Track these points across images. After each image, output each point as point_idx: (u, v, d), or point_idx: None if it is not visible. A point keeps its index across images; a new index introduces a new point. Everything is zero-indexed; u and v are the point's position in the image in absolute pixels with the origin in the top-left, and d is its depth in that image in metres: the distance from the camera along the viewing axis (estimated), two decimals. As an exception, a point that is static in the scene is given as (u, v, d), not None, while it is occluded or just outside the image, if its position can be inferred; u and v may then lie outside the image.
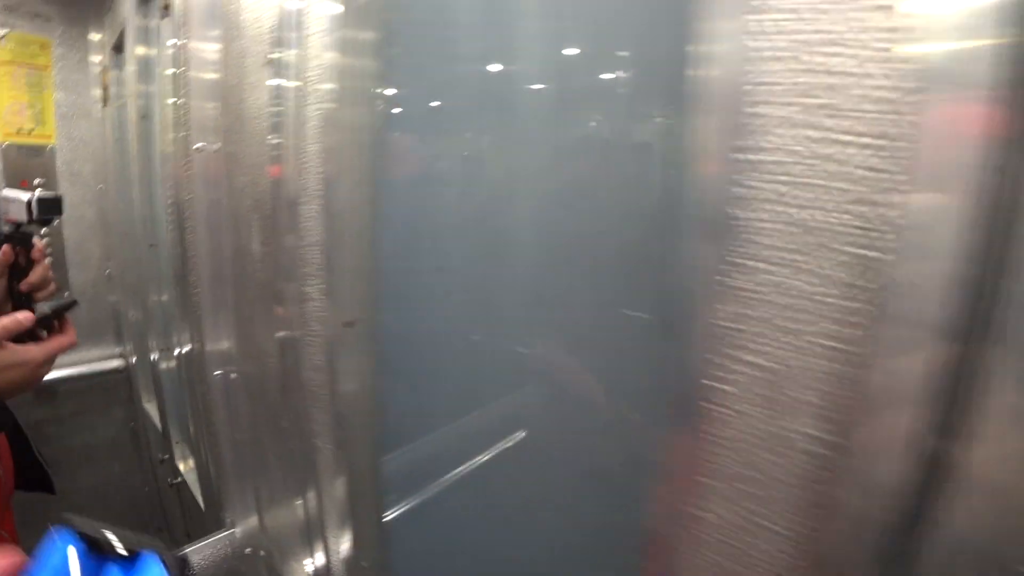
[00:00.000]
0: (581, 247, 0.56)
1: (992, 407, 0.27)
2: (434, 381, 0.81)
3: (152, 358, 1.53)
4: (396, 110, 0.71)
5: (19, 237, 1.05)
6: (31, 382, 0.90)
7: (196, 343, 1.12)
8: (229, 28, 0.94)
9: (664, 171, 0.45)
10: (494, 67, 0.65)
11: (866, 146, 0.28)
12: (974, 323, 0.27)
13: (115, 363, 1.86)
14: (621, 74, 0.52)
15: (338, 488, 0.77)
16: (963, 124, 0.26)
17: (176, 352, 1.32)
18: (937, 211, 0.27)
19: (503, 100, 0.65)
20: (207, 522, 1.28)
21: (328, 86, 0.67)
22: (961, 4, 0.26)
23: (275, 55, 0.77)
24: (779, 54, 0.30)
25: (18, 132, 1.75)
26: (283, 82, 0.77)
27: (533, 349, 0.66)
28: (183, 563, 0.31)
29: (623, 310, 0.47)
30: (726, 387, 0.35)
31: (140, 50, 1.51)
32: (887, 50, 0.27)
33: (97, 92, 1.88)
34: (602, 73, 0.54)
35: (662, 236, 0.46)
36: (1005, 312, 0.26)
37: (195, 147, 0.98)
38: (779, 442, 0.33)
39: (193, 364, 1.17)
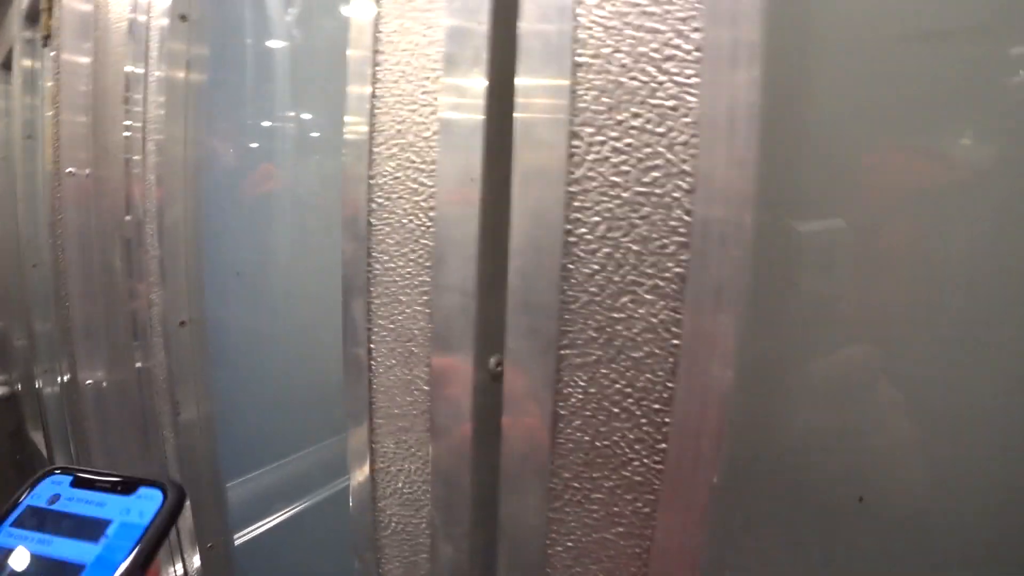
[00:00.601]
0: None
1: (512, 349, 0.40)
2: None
3: (37, 384, 1.54)
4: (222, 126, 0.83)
5: None
6: None
7: (71, 361, 1.17)
8: (98, 44, 1.02)
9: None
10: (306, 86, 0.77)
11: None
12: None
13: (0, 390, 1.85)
14: None
15: (182, 478, 0.84)
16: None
17: (58, 377, 1.35)
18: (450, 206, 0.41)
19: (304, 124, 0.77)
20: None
21: (162, 99, 0.78)
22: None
23: (128, 70, 0.87)
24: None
25: None
26: (135, 106, 0.87)
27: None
28: (181, 492, 0.33)
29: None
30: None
31: (27, 63, 1.55)
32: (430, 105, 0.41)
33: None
34: None
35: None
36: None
37: (67, 171, 1.06)
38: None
39: (72, 384, 1.21)
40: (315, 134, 0.85)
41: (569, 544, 0.43)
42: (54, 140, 1.11)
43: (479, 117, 0.40)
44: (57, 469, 0.35)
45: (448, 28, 0.41)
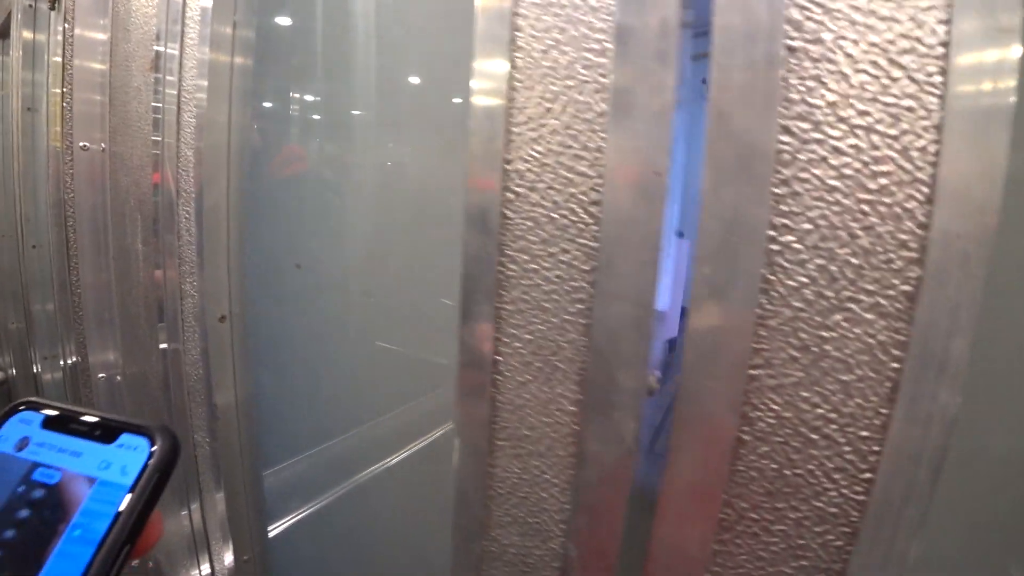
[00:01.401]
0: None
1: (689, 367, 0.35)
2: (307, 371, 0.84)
3: (35, 370, 1.44)
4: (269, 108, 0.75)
5: None
6: None
7: (80, 348, 1.08)
8: (116, 22, 0.94)
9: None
10: (366, 74, 0.70)
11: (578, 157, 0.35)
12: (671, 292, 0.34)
13: (-7, 375, 1.74)
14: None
15: (217, 484, 0.78)
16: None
17: (62, 362, 1.27)
18: (624, 201, 0.34)
19: (374, 105, 0.69)
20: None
21: (204, 83, 0.69)
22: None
23: (158, 50, 0.79)
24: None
25: None
26: (165, 86, 0.78)
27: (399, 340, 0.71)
28: (174, 444, 0.26)
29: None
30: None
31: (27, 34, 1.44)
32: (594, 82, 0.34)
33: (-22, 82, 1.77)
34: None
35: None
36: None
37: (80, 145, 0.97)
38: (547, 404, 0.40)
39: (78, 372, 1.13)
40: (370, 116, 0.78)
41: (735, 578, 0.38)
42: (63, 114, 1.01)
43: (666, 97, 0.34)
44: (24, 404, 0.28)
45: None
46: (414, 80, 0.67)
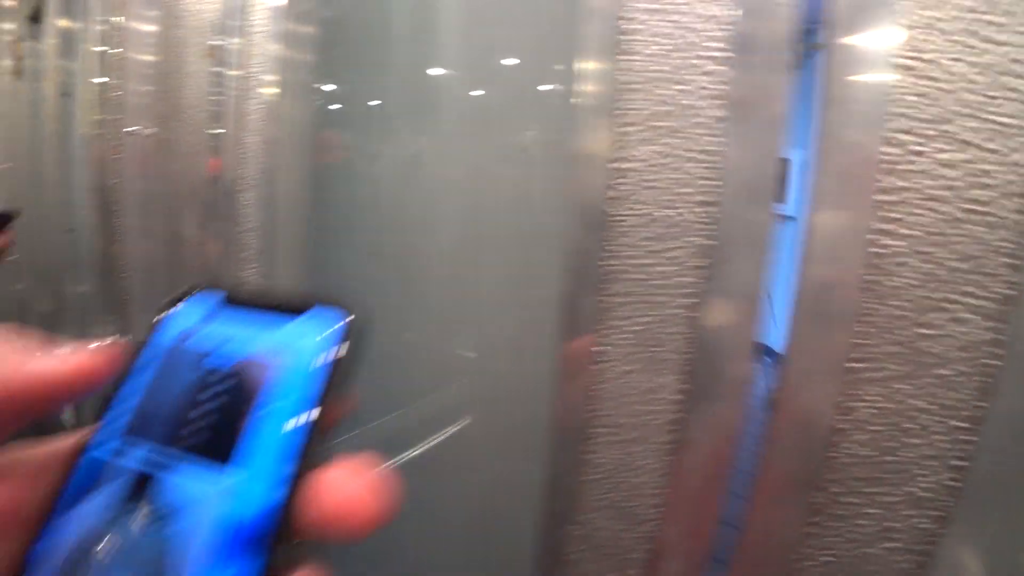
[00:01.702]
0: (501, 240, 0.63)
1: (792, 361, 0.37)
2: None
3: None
4: (334, 105, 0.76)
5: None
6: None
7: (125, 329, 1.10)
8: (168, 15, 0.95)
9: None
10: (429, 69, 0.71)
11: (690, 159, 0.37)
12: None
13: (22, 357, 1.75)
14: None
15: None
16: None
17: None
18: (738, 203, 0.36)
19: (435, 101, 0.70)
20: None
21: (270, 78, 0.71)
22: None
23: (217, 43, 0.79)
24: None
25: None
26: (224, 71, 0.79)
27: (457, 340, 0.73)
28: (365, 321, 0.25)
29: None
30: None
31: (63, 23, 1.45)
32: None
33: (7, 63, 1.77)
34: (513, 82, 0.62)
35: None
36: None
37: (127, 130, 0.97)
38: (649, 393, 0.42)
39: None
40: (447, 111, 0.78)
41: (826, 559, 0.41)
42: (105, 100, 1.02)
43: (783, 105, 0.35)
44: (200, 285, 0.27)
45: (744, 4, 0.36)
46: (503, 72, 0.67)
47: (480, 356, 0.77)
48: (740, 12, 0.36)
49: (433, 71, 0.70)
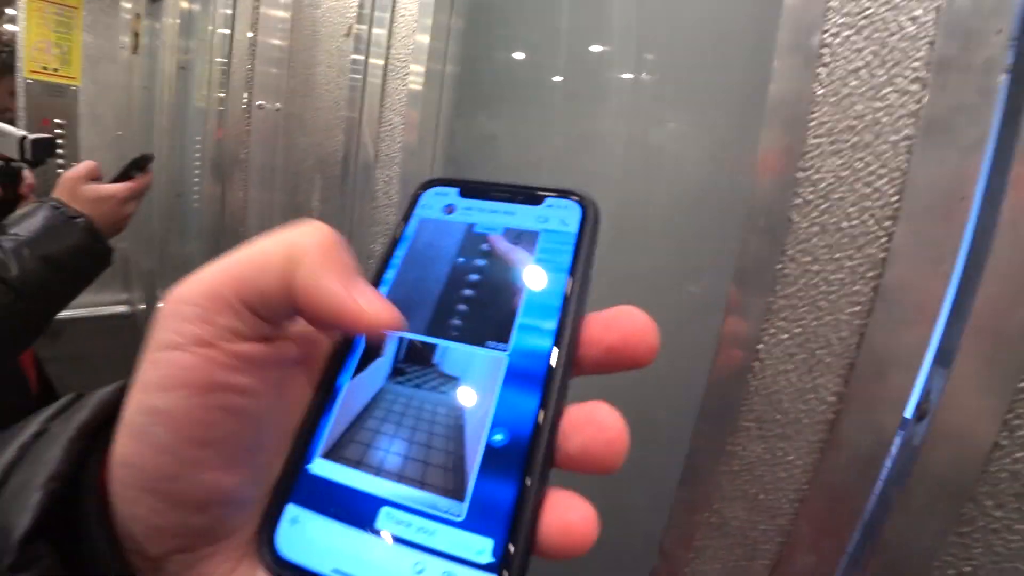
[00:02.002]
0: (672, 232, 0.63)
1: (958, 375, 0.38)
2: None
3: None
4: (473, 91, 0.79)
5: (7, 172, 1.07)
6: (120, 218, 0.95)
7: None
8: None
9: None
10: (592, 47, 0.71)
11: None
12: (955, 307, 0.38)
13: (119, 309, 1.88)
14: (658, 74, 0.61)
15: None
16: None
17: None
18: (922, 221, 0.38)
19: (598, 85, 0.71)
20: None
21: (416, 67, 0.75)
22: (998, 67, 0.36)
23: (357, 25, 0.84)
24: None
25: (43, 70, 1.75)
26: (362, 56, 0.84)
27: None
28: (596, 209, 0.24)
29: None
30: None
31: (184, 4, 1.54)
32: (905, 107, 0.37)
33: (125, 38, 1.89)
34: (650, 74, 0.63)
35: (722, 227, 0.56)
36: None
37: (257, 104, 1.04)
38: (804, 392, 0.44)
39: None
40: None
41: (966, 569, 0.42)
42: (224, 76, 1.08)
43: (982, 130, 0.37)
44: (434, 181, 0.27)
45: (947, 25, 0.37)
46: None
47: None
48: (944, 34, 0.38)
49: (596, 49, 0.68)
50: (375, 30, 0.80)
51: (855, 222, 0.41)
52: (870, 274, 0.41)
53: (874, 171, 0.40)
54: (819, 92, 0.42)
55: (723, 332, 0.46)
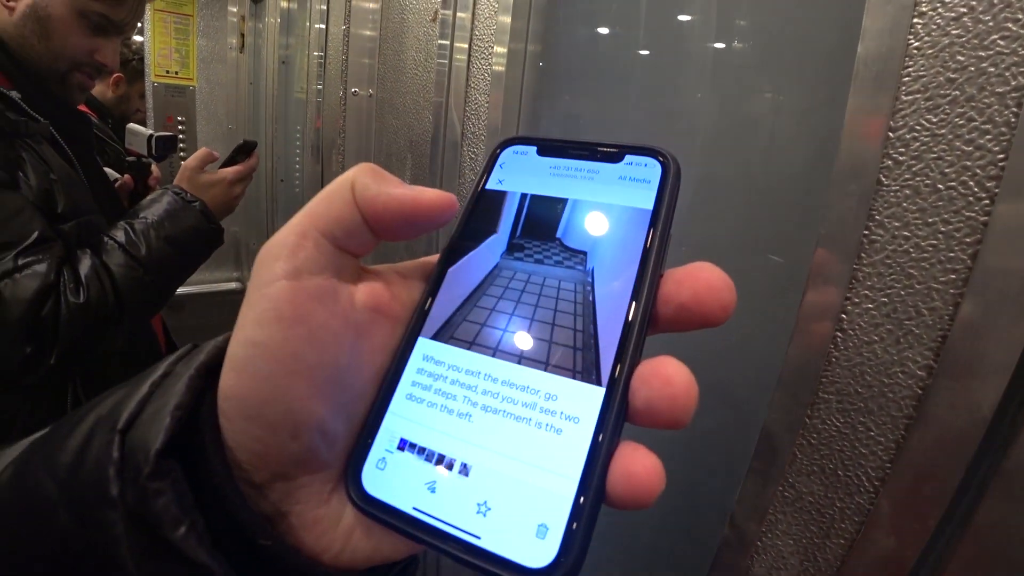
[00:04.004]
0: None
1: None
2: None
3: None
4: (554, 73, 0.80)
5: (138, 167, 1.21)
6: (230, 199, 1.07)
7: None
8: None
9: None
10: (677, 17, 0.69)
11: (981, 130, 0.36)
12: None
13: (232, 285, 2.07)
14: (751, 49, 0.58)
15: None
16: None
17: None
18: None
19: (679, 54, 0.70)
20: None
21: (499, 48, 0.76)
22: None
23: (443, 14, 0.87)
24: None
25: (166, 73, 1.95)
26: (447, 41, 0.87)
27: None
28: (678, 166, 0.24)
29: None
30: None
31: (284, 3, 1.65)
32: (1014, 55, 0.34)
33: (233, 39, 2.06)
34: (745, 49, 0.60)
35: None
36: None
37: (352, 92, 1.10)
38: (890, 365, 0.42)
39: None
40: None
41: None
42: (320, 67, 1.15)
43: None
44: (511, 141, 0.27)
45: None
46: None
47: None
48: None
49: (679, 19, 0.66)
50: (459, 14, 0.83)
51: (953, 183, 0.38)
52: (968, 239, 0.38)
53: (977, 127, 0.37)
54: (914, 45, 0.39)
55: (804, 301, 0.45)
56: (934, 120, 0.39)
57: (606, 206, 0.24)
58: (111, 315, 0.85)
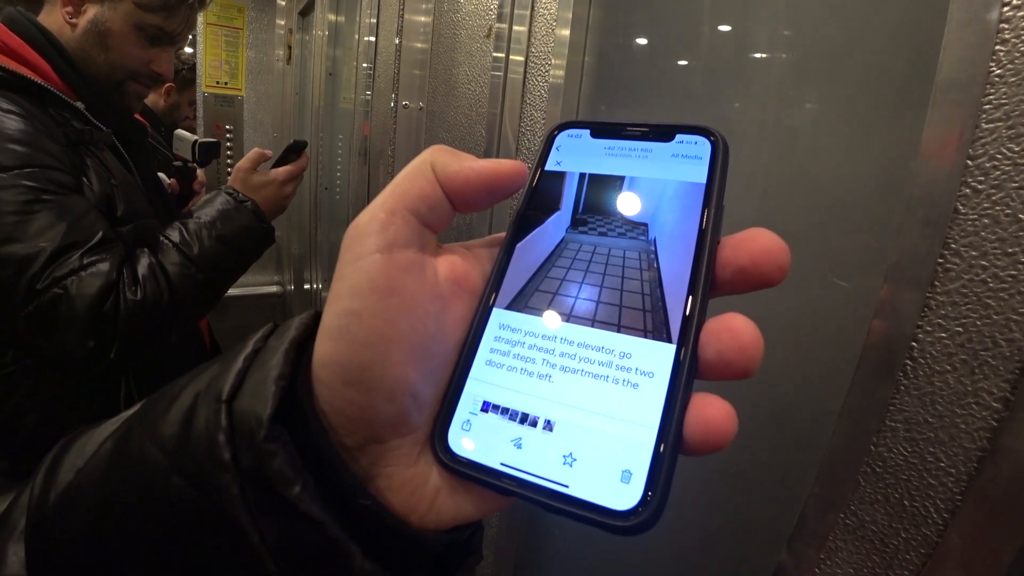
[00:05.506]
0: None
1: None
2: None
3: (314, 287, 1.74)
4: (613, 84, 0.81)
5: (184, 172, 1.26)
6: (281, 198, 1.11)
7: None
8: (442, 2, 1.07)
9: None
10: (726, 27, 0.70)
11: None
12: None
13: (273, 288, 2.12)
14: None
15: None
16: None
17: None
18: None
19: (738, 66, 0.70)
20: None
21: (556, 60, 0.78)
22: None
23: (498, 25, 0.88)
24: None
25: (216, 84, 2.02)
26: (503, 54, 0.88)
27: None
28: (726, 144, 0.25)
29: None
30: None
31: (331, 16, 1.70)
32: None
33: (280, 51, 2.12)
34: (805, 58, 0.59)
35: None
36: None
37: (402, 104, 1.12)
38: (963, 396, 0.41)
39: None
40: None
41: None
42: (367, 79, 1.18)
43: None
44: (564, 125, 0.28)
45: None
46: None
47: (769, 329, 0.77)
48: None
49: (740, 30, 0.65)
50: (515, 27, 0.84)
51: (1036, 213, 0.38)
52: (1048, 269, 0.37)
53: (1063, 158, 0.37)
54: (996, 72, 0.39)
55: (872, 328, 0.44)
56: (1016, 149, 0.38)
57: (662, 181, 0.26)
58: (166, 311, 0.89)
